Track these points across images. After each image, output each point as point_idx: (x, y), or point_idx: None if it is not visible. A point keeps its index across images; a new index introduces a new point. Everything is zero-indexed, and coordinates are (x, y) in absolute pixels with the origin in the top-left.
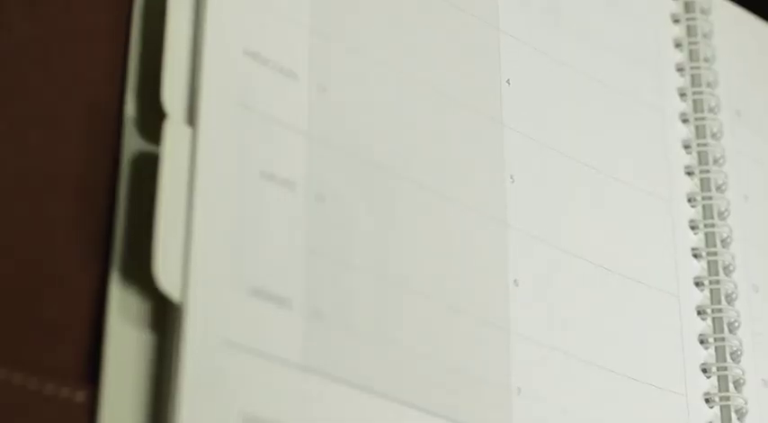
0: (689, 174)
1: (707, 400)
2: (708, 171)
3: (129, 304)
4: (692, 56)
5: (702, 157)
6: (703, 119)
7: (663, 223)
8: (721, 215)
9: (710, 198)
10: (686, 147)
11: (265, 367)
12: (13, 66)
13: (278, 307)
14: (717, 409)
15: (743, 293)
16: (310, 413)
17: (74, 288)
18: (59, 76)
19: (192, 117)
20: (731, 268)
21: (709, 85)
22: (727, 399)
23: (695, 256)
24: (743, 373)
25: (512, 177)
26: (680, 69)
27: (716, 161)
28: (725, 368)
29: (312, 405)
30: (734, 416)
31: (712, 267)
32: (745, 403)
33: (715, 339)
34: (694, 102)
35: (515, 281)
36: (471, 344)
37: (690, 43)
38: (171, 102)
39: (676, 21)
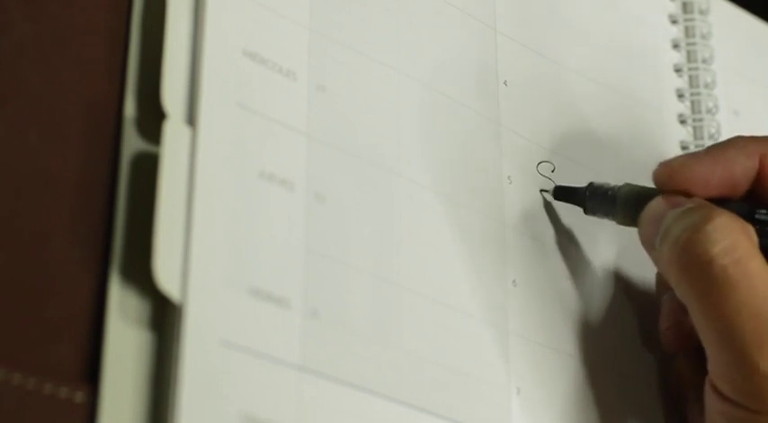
0: None
1: None
2: None
3: (128, 304)
4: (690, 57)
5: None
6: (701, 120)
7: None
8: None
9: None
10: (684, 148)
11: (264, 367)
12: (13, 66)
13: (277, 307)
14: None
15: None
16: (308, 413)
17: (74, 288)
18: (59, 76)
19: (191, 117)
20: None
21: (707, 85)
22: None
23: None
24: None
25: (509, 178)
26: (678, 70)
27: None
28: None
29: (310, 405)
30: None
31: None
32: None
33: None
34: (692, 103)
35: (514, 281)
36: (471, 344)
37: (688, 44)
38: (171, 102)
39: (674, 22)
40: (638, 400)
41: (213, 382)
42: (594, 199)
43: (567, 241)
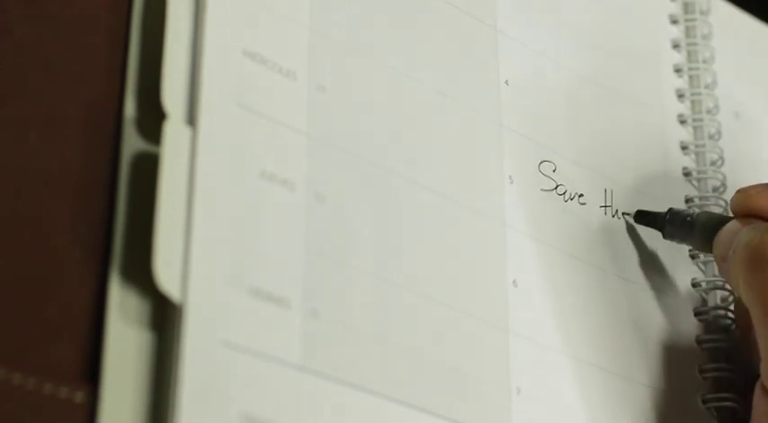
0: (686, 175)
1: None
2: (705, 173)
3: (128, 304)
4: (691, 57)
5: (700, 159)
6: (701, 120)
7: None
8: None
9: (708, 200)
10: (684, 148)
11: (264, 367)
12: (13, 66)
13: (277, 307)
14: None
15: None
16: (308, 413)
17: (74, 288)
18: (59, 76)
19: (191, 117)
20: None
21: (707, 86)
22: None
23: (692, 257)
24: None
25: (510, 178)
26: (678, 70)
27: (713, 163)
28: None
29: (310, 405)
30: None
31: (709, 272)
32: None
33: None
34: (692, 103)
35: (514, 281)
36: (471, 344)
37: (688, 44)
38: (171, 102)
39: (675, 22)
40: (636, 399)
41: (213, 382)
42: (673, 224)
43: (566, 241)
